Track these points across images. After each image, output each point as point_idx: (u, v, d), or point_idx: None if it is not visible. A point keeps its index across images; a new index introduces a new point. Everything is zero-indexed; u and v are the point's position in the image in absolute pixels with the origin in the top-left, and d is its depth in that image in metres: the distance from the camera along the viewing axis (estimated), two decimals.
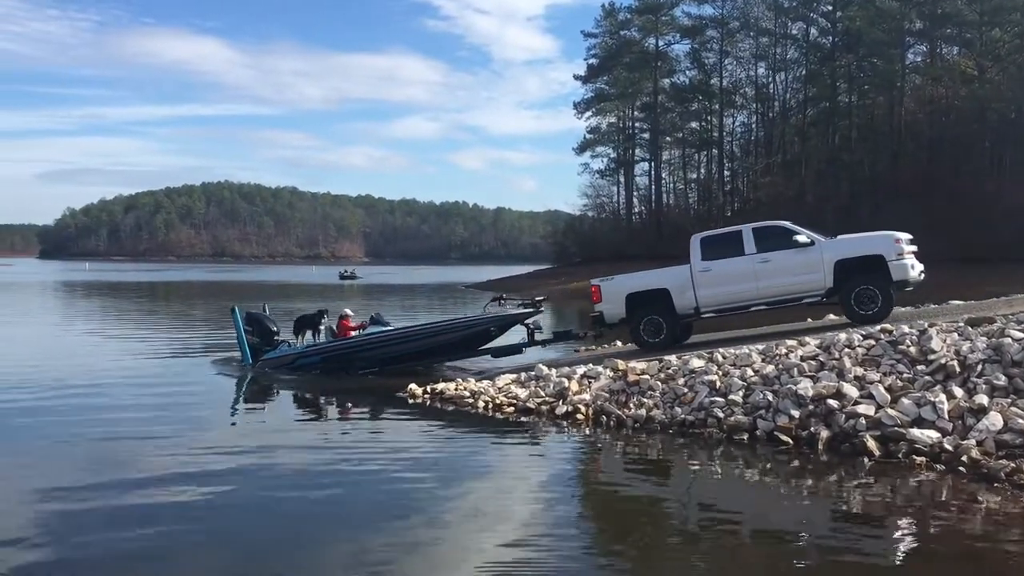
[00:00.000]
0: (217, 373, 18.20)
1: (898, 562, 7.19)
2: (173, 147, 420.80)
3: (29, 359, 20.44)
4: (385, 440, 11.57)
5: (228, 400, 16.14)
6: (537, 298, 18.91)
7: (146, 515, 8.27)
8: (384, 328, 18.46)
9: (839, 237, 15.16)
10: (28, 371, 18.24)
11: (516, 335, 18.32)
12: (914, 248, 14.70)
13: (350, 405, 14.44)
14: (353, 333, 18.47)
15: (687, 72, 75.65)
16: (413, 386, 14.63)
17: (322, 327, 18.85)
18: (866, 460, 9.69)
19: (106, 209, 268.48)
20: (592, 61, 78.14)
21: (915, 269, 14.36)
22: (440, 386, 14.42)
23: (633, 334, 15.69)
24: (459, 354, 17.92)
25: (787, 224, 15.21)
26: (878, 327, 12.09)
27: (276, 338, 19.21)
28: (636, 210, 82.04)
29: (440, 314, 18.65)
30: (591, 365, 13.74)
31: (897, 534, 7.94)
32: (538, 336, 17.97)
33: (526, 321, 18.01)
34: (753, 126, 75.22)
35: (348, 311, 19.37)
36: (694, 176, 79.48)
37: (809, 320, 17.31)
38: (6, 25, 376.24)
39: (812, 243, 14.59)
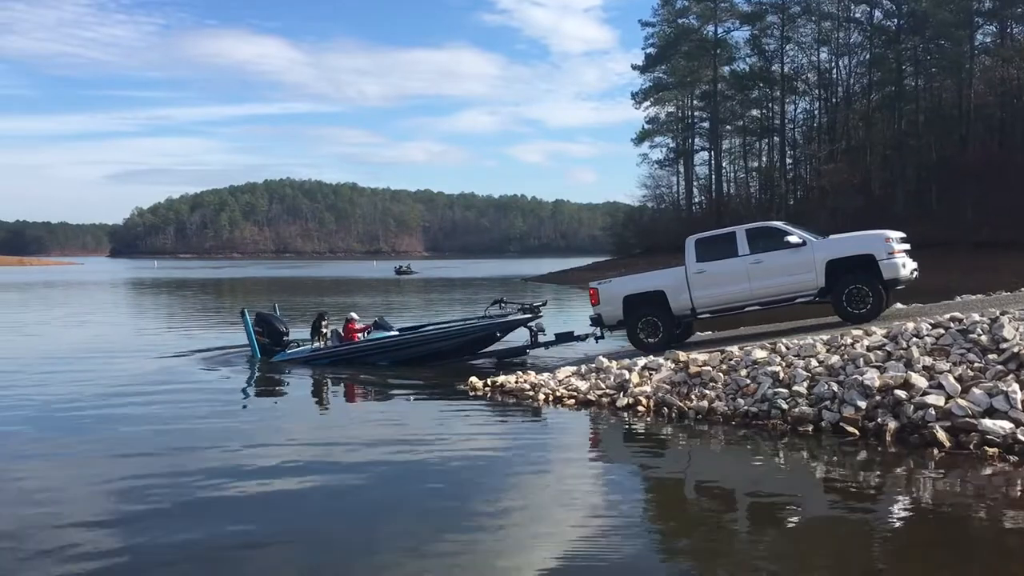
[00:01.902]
0: (282, 370, 18.47)
1: (971, 555, 7.03)
2: (237, 146, 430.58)
3: (86, 356, 20.99)
4: (448, 434, 11.60)
5: (287, 394, 16.37)
6: (536, 303, 19.29)
7: (215, 509, 8.40)
8: (388, 333, 18.83)
9: (831, 237, 15.31)
10: (85, 369, 18.74)
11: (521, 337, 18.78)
12: (906, 247, 14.79)
13: (411, 399, 14.53)
14: (359, 336, 18.82)
15: (747, 59, 74.58)
16: (474, 379, 14.73)
17: (325, 330, 19.15)
18: (936, 451, 9.49)
19: (173, 208, 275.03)
20: (650, 50, 77.48)
21: (906, 268, 14.40)
22: (500, 379, 14.48)
23: (630, 335, 15.93)
24: (462, 356, 18.29)
25: (779, 224, 15.47)
26: (947, 316, 11.80)
27: (285, 338, 19.62)
28: (696, 200, 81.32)
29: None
30: (652, 357, 13.66)
31: (969, 527, 7.75)
32: (541, 338, 18.26)
33: (529, 324, 18.37)
34: (816, 112, 73.82)
35: (354, 315, 19.72)
36: (755, 165, 78.44)
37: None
38: (77, 31, 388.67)
39: (804, 243, 14.73)
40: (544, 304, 19.60)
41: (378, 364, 18.06)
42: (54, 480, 9.57)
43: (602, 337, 17.25)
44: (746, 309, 15.36)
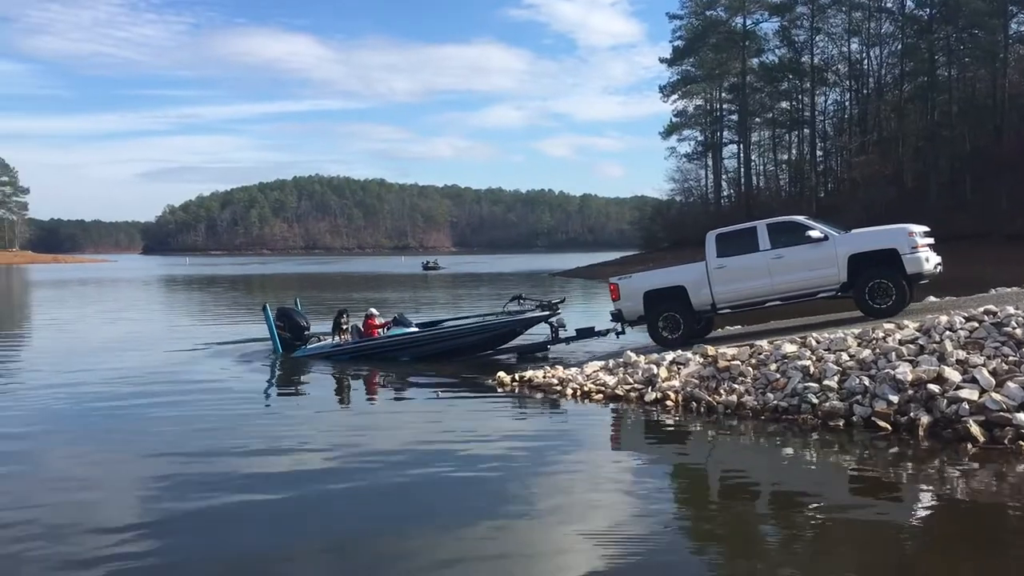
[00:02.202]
0: (304, 366, 18.56)
1: (1006, 551, 6.94)
2: (266, 143, 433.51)
3: (116, 352, 21.22)
4: (478, 430, 11.56)
5: (314, 391, 16.36)
6: (554, 300, 19.32)
7: (247, 510, 8.35)
8: (407, 329, 18.95)
9: (853, 231, 15.22)
10: (112, 366, 18.92)
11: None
12: (930, 240, 14.61)
13: (438, 394, 14.51)
14: (378, 332, 18.96)
15: (776, 51, 73.88)
16: (502, 374, 14.74)
17: (346, 325, 19.32)
18: (969, 446, 9.38)
19: (204, 205, 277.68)
20: (678, 43, 76.95)
21: (930, 262, 14.24)
22: (528, 374, 14.48)
23: (651, 331, 15.90)
24: (482, 352, 18.39)
25: (801, 219, 15.38)
26: (981, 309, 11.63)
27: (306, 333, 19.81)
28: (725, 193, 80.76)
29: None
30: (680, 351, 13.59)
31: (1004, 522, 7.66)
32: (562, 334, 18.28)
33: (550, 320, 18.41)
34: (846, 104, 72.94)
35: (374, 311, 19.84)
36: (785, 157, 77.71)
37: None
38: (111, 31, 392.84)
39: (825, 238, 14.66)
40: (562, 301, 19.60)
41: (399, 360, 18.15)
42: (88, 480, 9.64)
43: (623, 332, 17.22)
44: (767, 304, 15.31)
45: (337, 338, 19.20)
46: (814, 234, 14.66)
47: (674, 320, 15.52)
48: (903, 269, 14.03)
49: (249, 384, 16.35)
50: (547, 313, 18.60)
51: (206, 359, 19.55)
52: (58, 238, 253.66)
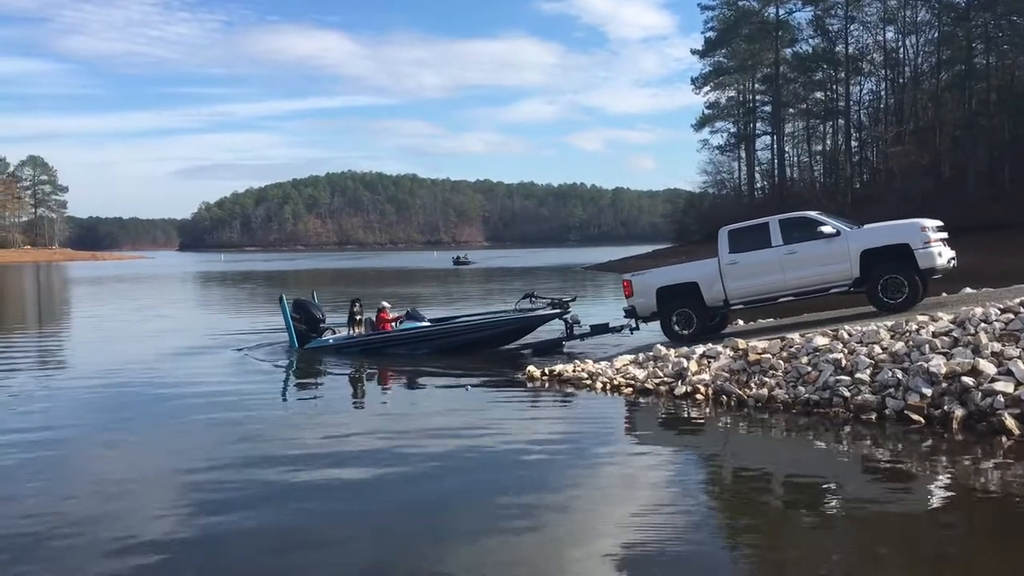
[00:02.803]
0: (323, 359, 18.69)
1: None
2: (299, 140, 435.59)
3: (145, 345, 21.51)
4: (509, 424, 11.56)
5: (340, 386, 16.49)
6: (565, 298, 19.38)
7: (280, 501, 8.41)
8: (419, 324, 19.10)
9: (865, 226, 15.20)
10: (138, 360, 19.24)
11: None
12: (943, 235, 14.56)
13: (468, 388, 14.51)
14: (390, 325, 19.10)
15: (810, 40, 73.14)
16: (532, 368, 14.75)
17: (359, 316, 19.45)
18: (1004, 439, 9.27)
19: (238, 202, 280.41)
20: (709, 34, 76.53)
21: (943, 256, 14.19)
22: (558, 368, 14.48)
23: (664, 326, 15.97)
24: (493, 348, 18.45)
25: (813, 214, 15.44)
26: (1017, 300, 11.44)
27: (321, 325, 19.96)
28: (758, 185, 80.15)
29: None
30: (711, 345, 13.51)
31: None
32: (576, 330, 18.33)
33: (564, 316, 18.52)
34: (882, 93, 72.11)
35: (386, 304, 19.95)
36: (819, 148, 76.96)
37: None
38: (142, 29, 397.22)
39: (838, 233, 14.70)
40: (573, 299, 19.67)
41: (415, 354, 18.19)
42: (126, 469, 9.83)
43: (637, 328, 17.29)
44: (779, 300, 15.40)
45: (352, 331, 19.39)
46: (826, 230, 14.70)
47: (687, 316, 15.64)
48: (916, 264, 14.02)
49: (267, 381, 16.50)
50: (558, 311, 18.73)
51: (219, 353, 19.72)
52: (96, 235, 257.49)
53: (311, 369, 17.88)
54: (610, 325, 18.21)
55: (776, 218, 15.50)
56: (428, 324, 19.32)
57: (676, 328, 15.66)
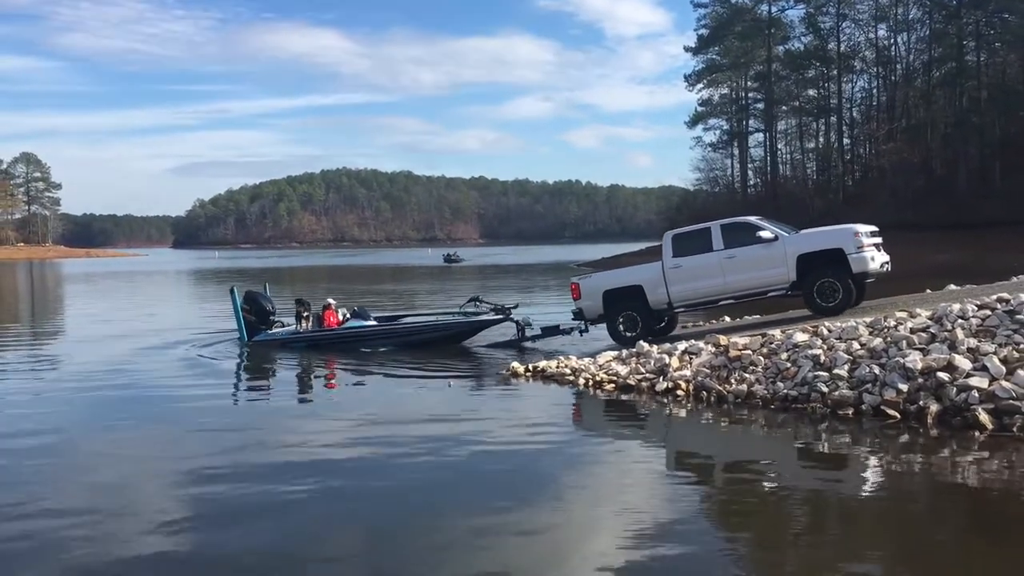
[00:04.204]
0: (277, 354, 18.70)
1: (1017, 538, 6.97)
2: (294, 137, 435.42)
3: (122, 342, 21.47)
4: (492, 421, 11.49)
5: (317, 382, 16.27)
6: (507, 305, 19.67)
7: (270, 503, 8.25)
8: (364, 323, 19.44)
9: (803, 232, 15.79)
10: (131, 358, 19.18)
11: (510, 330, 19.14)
12: (877, 240, 15.10)
13: (450, 385, 14.50)
14: (335, 322, 19.41)
15: (802, 38, 72.95)
16: (515, 364, 14.78)
17: (305, 314, 19.80)
18: (978, 434, 9.35)
19: (233, 199, 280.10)
20: (702, 32, 76.41)
21: (875, 261, 14.74)
22: (542, 364, 14.51)
23: (610, 329, 16.35)
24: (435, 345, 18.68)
25: (753, 219, 15.92)
26: (994, 296, 11.52)
27: (272, 318, 20.21)
28: (751, 182, 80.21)
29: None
30: (693, 341, 13.58)
31: (1014, 509, 7.66)
32: (528, 332, 18.63)
33: (515, 319, 18.91)
34: (874, 91, 72.10)
35: (331, 301, 20.26)
36: (812, 145, 76.91)
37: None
38: (138, 27, 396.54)
39: (776, 238, 15.17)
40: (515, 307, 19.86)
41: (359, 350, 18.40)
42: (120, 468, 9.83)
43: (586, 331, 17.57)
44: (720, 303, 15.95)
45: (299, 326, 19.67)
46: (765, 235, 15.19)
47: (632, 319, 16.05)
48: (849, 268, 14.49)
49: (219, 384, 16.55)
50: (500, 318, 19.04)
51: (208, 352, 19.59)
52: (91, 232, 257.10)
53: (265, 367, 17.83)
54: (561, 327, 18.48)
55: (717, 223, 15.96)
56: (373, 323, 19.64)
57: (622, 330, 16.02)
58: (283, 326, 20.06)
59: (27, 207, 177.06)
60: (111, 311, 33.85)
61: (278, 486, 8.68)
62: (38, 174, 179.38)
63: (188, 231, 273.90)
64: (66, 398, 14.14)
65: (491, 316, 19.17)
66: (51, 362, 18.76)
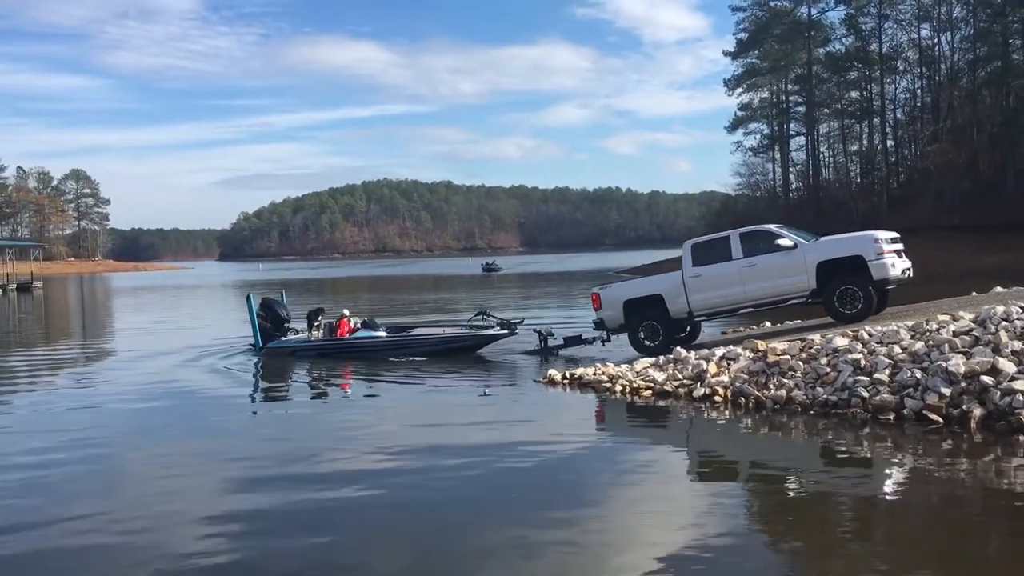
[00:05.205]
0: (285, 361, 18.89)
1: None
2: (335, 149, 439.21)
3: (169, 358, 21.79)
4: (531, 428, 11.55)
5: (354, 391, 16.22)
6: (514, 320, 19.66)
7: (308, 513, 8.23)
8: (374, 333, 19.62)
9: (822, 239, 15.71)
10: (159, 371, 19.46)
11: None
12: (898, 247, 15.01)
13: (487, 393, 14.49)
14: (348, 332, 19.66)
15: (843, 40, 72.07)
16: (552, 372, 14.78)
17: (317, 323, 20.07)
18: (1022, 438, 9.15)
19: (276, 211, 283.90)
20: (741, 35, 75.88)
21: (896, 268, 14.65)
22: (579, 371, 14.49)
23: (631, 338, 16.37)
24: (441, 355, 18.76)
25: (772, 228, 15.94)
26: None
27: (286, 325, 20.48)
28: (793, 187, 79.38)
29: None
30: (731, 347, 13.47)
31: None
32: (551, 342, 18.56)
33: (537, 328, 19.02)
34: (918, 92, 70.97)
35: (346, 312, 20.63)
36: (855, 148, 75.90)
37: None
38: (182, 44, 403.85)
39: (795, 246, 15.17)
40: (521, 322, 19.79)
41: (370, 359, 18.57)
42: (166, 475, 10.01)
43: (608, 340, 17.47)
44: (741, 311, 16.03)
45: (311, 335, 19.95)
46: (784, 243, 15.17)
47: (653, 328, 16.07)
48: (869, 275, 14.41)
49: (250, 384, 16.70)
50: (506, 332, 19.05)
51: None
52: (138, 247, 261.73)
53: (301, 378, 17.81)
54: (583, 337, 18.42)
55: (736, 231, 16.01)
56: (383, 334, 19.77)
57: (643, 340, 16.05)
58: (296, 333, 20.40)
59: (77, 223, 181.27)
60: (156, 323, 34.44)
61: (321, 494, 8.74)
62: (87, 190, 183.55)
63: (233, 244, 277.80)
64: (116, 410, 14.35)
65: (497, 331, 19.22)
66: (101, 376, 18.86)
